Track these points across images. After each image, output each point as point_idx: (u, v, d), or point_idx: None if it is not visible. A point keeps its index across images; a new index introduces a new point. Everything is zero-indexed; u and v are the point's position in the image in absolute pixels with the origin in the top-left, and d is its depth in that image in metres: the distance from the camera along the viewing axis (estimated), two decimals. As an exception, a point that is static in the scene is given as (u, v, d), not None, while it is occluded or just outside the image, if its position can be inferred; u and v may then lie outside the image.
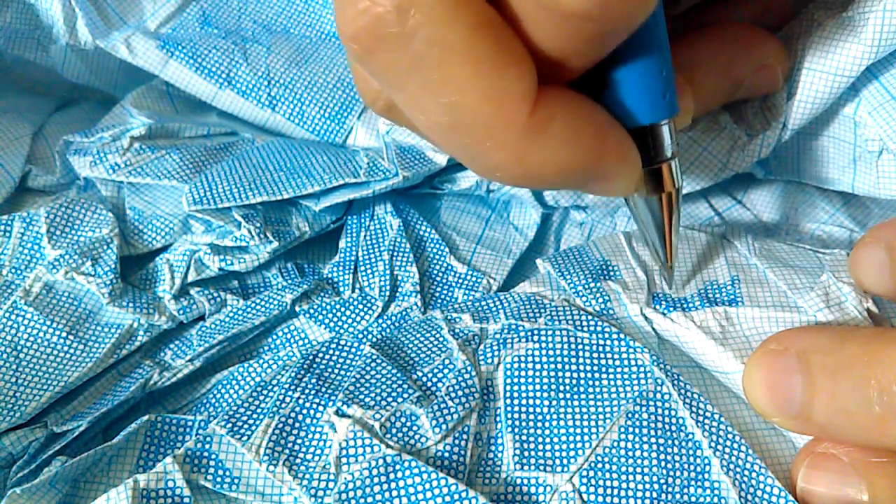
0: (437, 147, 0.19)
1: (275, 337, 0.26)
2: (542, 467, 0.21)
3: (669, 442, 0.21)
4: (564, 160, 0.18)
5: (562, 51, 0.17)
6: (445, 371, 0.22)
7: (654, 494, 0.20)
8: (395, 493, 0.20)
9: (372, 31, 0.16)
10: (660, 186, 0.21)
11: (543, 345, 0.23)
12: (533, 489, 0.20)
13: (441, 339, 0.23)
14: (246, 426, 0.21)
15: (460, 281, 0.27)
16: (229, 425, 0.21)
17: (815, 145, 0.27)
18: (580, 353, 0.23)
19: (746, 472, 0.21)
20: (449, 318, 0.24)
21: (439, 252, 0.28)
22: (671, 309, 0.24)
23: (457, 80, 0.16)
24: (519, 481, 0.21)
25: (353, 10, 0.16)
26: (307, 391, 0.22)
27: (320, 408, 0.21)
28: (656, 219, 0.22)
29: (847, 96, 0.25)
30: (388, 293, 0.26)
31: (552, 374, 0.22)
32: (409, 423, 0.21)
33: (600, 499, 0.20)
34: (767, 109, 0.26)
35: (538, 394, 0.22)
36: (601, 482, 0.20)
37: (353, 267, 0.27)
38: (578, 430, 0.21)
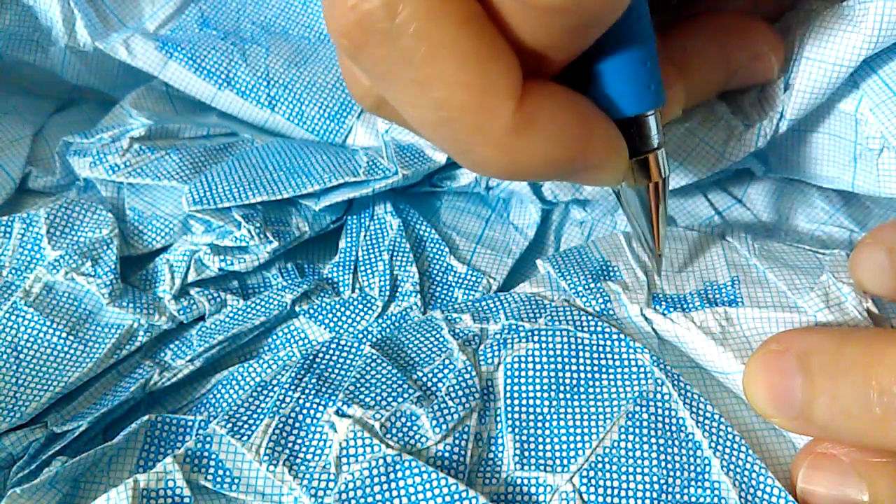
0: (428, 142, 0.20)
1: (275, 337, 0.26)
2: (542, 467, 0.21)
3: (669, 442, 0.21)
4: (551, 152, 0.18)
5: (542, 44, 0.17)
6: (446, 371, 0.22)
7: (654, 494, 0.20)
8: (395, 493, 0.20)
9: (361, 27, 0.16)
10: (647, 176, 0.21)
11: (543, 345, 0.23)
12: (533, 489, 0.20)
13: (441, 339, 0.23)
14: (246, 426, 0.21)
15: (460, 281, 0.27)
16: (229, 425, 0.21)
17: (816, 142, 0.27)
18: (580, 354, 0.23)
19: (746, 473, 0.21)
20: (449, 318, 0.24)
21: (439, 252, 0.28)
22: (671, 309, 0.24)
23: (443, 75, 0.16)
24: (519, 481, 0.21)
25: (342, 7, 0.16)
26: (307, 391, 0.22)
27: (320, 408, 0.21)
28: (645, 207, 0.23)
29: (848, 93, 0.25)
30: (388, 293, 0.26)
31: (552, 374, 0.22)
32: (409, 423, 0.21)
33: (600, 499, 0.20)
34: (765, 100, 0.26)
35: (538, 394, 0.22)
36: (601, 482, 0.20)
37: (353, 267, 0.27)
38: (578, 430, 0.21)
